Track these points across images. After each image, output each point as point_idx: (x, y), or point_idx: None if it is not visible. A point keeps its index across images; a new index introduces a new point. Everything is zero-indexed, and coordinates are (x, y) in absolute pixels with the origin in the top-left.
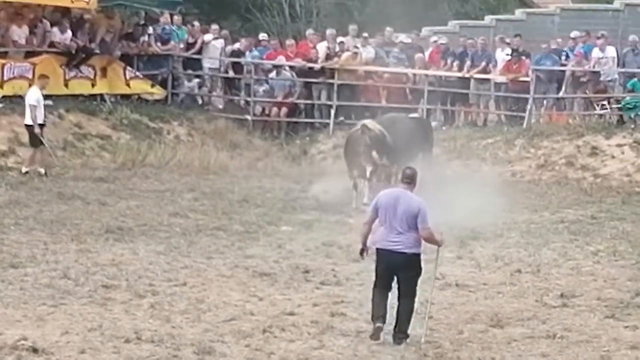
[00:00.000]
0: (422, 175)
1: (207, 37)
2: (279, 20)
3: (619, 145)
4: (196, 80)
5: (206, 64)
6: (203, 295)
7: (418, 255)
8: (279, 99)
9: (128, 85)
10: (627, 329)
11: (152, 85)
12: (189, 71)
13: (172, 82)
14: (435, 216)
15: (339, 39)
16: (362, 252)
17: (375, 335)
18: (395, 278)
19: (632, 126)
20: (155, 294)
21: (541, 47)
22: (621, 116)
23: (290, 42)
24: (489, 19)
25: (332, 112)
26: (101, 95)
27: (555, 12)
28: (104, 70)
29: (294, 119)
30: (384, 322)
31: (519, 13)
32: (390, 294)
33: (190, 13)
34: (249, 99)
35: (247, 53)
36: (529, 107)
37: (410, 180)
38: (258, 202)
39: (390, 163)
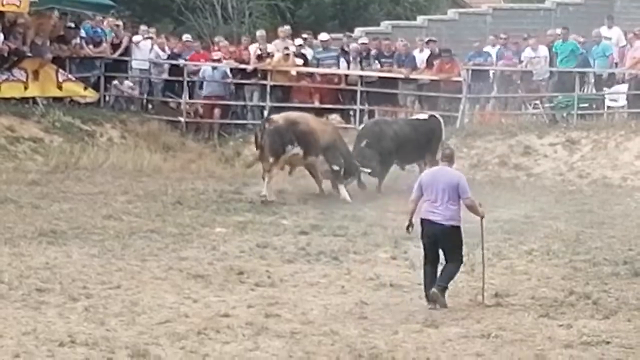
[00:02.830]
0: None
1: (136, 38)
2: (212, 21)
3: (552, 145)
4: (127, 82)
5: (135, 65)
6: (137, 298)
7: (457, 227)
8: (212, 101)
9: (60, 88)
10: (561, 328)
11: (85, 88)
12: (119, 73)
13: (104, 84)
14: (371, 217)
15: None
16: (408, 227)
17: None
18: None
19: (565, 125)
20: (90, 297)
21: (473, 47)
22: (554, 115)
23: (223, 43)
24: (421, 19)
25: (265, 113)
26: (33, 98)
27: (487, 12)
28: (36, 73)
29: (227, 121)
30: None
31: (451, 13)
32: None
33: (122, 16)
34: (181, 100)
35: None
36: (461, 107)
37: (449, 158)
38: (192, 204)
39: (316, 156)
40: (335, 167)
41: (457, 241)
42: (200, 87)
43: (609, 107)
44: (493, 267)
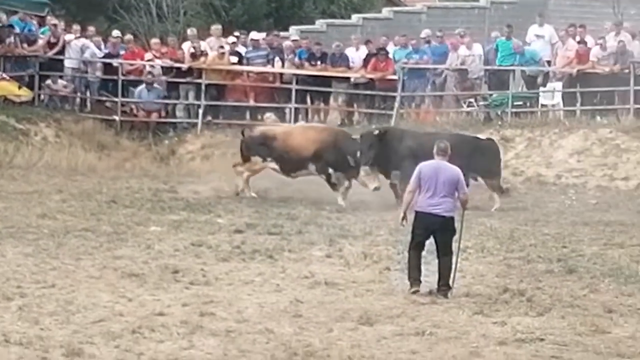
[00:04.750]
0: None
1: (69, 37)
2: (146, 20)
3: None
4: (61, 81)
5: (68, 64)
6: (72, 297)
7: (453, 218)
8: (147, 99)
9: None
10: (495, 325)
11: (19, 87)
12: (53, 72)
13: (39, 83)
14: (306, 215)
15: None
16: (403, 219)
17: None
18: (433, 239)
19: (499, 123)
20: (24, 296)
21: (408, 45)
22: (488, 113)
23: (155, 41)
24: (355, 17)
25: (200, 112)
26: None
27: (422, 11)
28: None
29: (162, 119)
30: (418, 286)
31: (385, 11)
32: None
33: (57, 14)
34: (116, 99)
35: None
36: (396, 105)
37: (444, 152)
38: (126, 202)
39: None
40: (323, 177)
41: (452, 232)
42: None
43: (543, 105)
44: (428, 264)
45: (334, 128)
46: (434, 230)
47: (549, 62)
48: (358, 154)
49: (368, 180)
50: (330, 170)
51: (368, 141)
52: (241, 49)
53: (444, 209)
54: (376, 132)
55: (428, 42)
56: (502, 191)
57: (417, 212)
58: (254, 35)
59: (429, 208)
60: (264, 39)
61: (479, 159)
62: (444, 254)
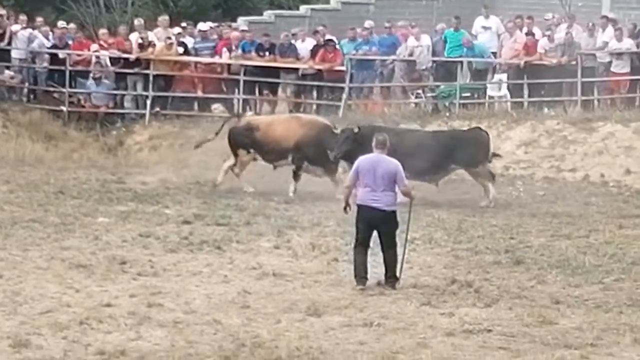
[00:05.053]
0: None
1: (16, 27)
2: (94, 10)
3: None
4: (8, 71)
5: (15, 54)
6: (19, 288)
7: (394, 212)
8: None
9: None
10: (443, 316)
11: None
12: (0, 62)
13: None
14: (254, 206)
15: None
16: (345, 208)
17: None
18: (376, 233)
19: (447, 114)
20: None
21: (356, 36)
22: (436, 104)
23: (103, 31)
24: (304, 8)
25: (148, 102)
26: None
27: (370, 2)
28: None
29: (110, 110)
30: (364, 284)
31: (334, 2)
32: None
33: (4, 4)
34: (64, 90)
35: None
36: (344, 96)
37: (383, 145)
38: (74, 193)
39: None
40: (295, 169)
41: (395, 225)
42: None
43: (490, 97)
44: (375, 255)
45: (318, 121)
46: (376, 225)
47: (494, 54)
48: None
49: (345, 177)
50: (305, 163)
51: (344, 135)
52: (189, 40)
53: (385, 203)
54: (356, 129)
55: (370, 33)
56: (492, 178)
57: (358, 206)
58: (201, 26)
59: (370, 202)
60: (211, 27)
61: (458, 151)
62: (388, 247)
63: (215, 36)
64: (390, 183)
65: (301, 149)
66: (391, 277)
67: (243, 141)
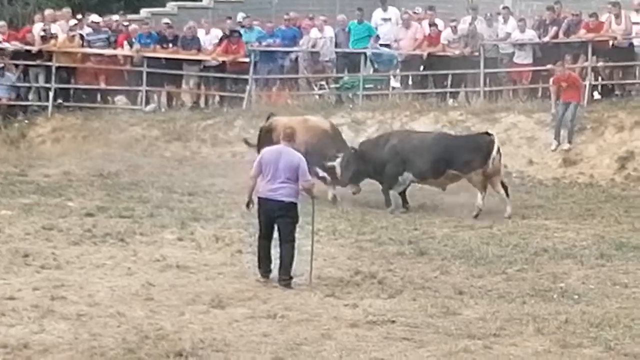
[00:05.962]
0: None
1: None
2: None
3: (338, 125)
4: None
5: None
6: None
7: (295, 204)
8: None
9: None
10: (347, 307)
11: None
12: None
13: None
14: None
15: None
16: (248, 204)
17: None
18: (276, 227)
19: (350, 106)
20: None
21: (261, 27)
22: (339, 96)
23: (2, 23)
24: (207, 0)
25: (51, 94)
26: None
27: None
28: None
29: (12, 102)
30: (268, 278)
31: None
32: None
33: None
34: None
35: None
36: (248, 87)
37: (290, 138)
38: None
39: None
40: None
41: (294, 217)
42: None
43: (394, 88)
44: (276, 248)
45: (320, 125)
46: (275, 217)
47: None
48: (338, 160)
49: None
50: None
51: (345, 160)
52: (84, 32)
53: (283, 194)
54: (352, 150)
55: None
56: (484, 189)
57: (259, 198)
58: (94, 17)
59: (268, 193)
60: (103, 21)
61: (458, 154)
62: (285, 240)
63: (106, 28)
64: (292, 175)
65: (308, 153)
66: (285, 275)
67: (264, 141)
